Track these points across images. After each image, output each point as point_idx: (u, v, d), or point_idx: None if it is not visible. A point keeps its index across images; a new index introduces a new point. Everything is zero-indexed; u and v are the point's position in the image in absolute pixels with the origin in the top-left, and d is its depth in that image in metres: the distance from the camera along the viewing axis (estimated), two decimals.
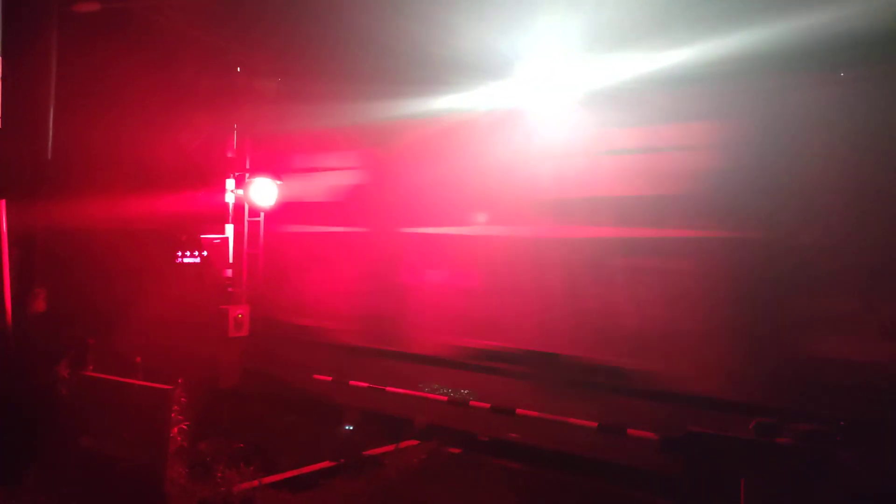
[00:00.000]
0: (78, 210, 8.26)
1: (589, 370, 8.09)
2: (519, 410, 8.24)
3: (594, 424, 7.76)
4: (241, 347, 9.72)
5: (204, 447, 6.55)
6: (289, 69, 10.30)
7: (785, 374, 6.83)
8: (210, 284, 9.46)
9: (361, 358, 9.92)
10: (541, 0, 7.67)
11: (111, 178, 8.95)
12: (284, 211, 10.58)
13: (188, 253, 8.76)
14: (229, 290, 10.02)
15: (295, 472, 6.84)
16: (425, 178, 9.89)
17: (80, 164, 8.46)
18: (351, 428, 7.64)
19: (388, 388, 9.54)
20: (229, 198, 10.37)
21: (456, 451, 7.97)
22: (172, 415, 5.95)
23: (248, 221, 10.52)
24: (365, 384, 9.65)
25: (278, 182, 9.99)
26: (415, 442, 7.90)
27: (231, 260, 10.11)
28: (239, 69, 10.18)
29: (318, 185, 10.91)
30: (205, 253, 9.40)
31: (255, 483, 6.32)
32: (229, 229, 10.23)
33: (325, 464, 7.15)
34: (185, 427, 6.38)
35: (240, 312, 9.75)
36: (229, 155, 10.47)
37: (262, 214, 10.56)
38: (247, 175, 10.28)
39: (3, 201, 7.17)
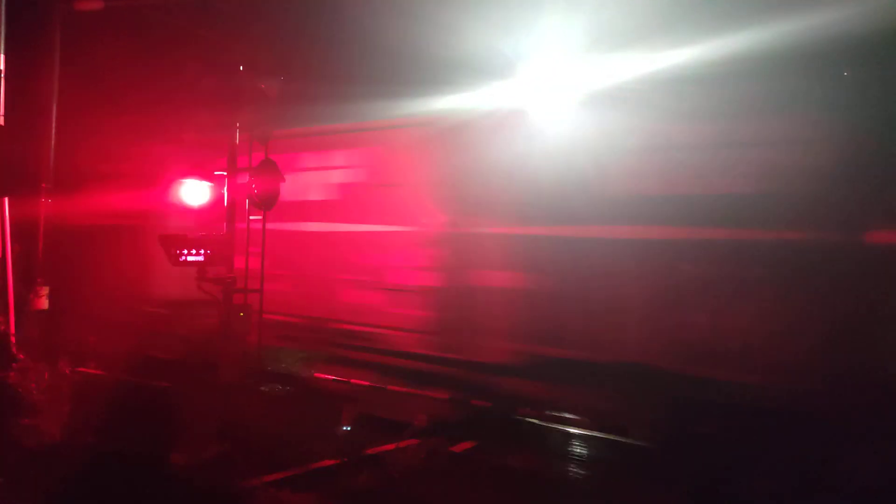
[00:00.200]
0: (80, 208, 8.28)
1: None
2: None
3: None
4: (242, 344, 9.73)
5: (205, 444, 6.55)
6: (291, 69, 10.31)
7: None
8: (211, 282, 9.45)
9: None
10: (542, 1, 7.68)
11: (113, 177, 8.97)
12: (286, 209, 10.61)
13: (191, 251, 8.76)
14: (231, 288, 10.02)
15: (296, 471, 6.84)
16: (426, 177, 9.91)
17: (83, 162, 8.49)
18: (352, 426, 7.64)
19: (390, 388, 9.56)
20: (230, 196, 10.37)
21: (457, 449, 7.98)
22: (173, 412, 5.96)
23: (250, 220, 10.52)
24: (366, 382, 9.67)
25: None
26: (416, 441, 7.90)
27: (232, 259, 10.12)
28: (241, 68, 10.18)
29: (319, 184, 10.93)
30: (207, 251, 9.39)
31: (256, 481, 6.33)
32: (230, 228, 10.23)
33: (326, 462, 7.15)
34: (186, 424, 6.39)
35: (240, 310, 9.76)
36: (231, 153, 10.47)
37: (263, 213, 10.56)
38: (248, 174, 10.29)
39: (6, 198, 7.18)
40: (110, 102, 9.17)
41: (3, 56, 7.40)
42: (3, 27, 7.42)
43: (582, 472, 7.57)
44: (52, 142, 8.15)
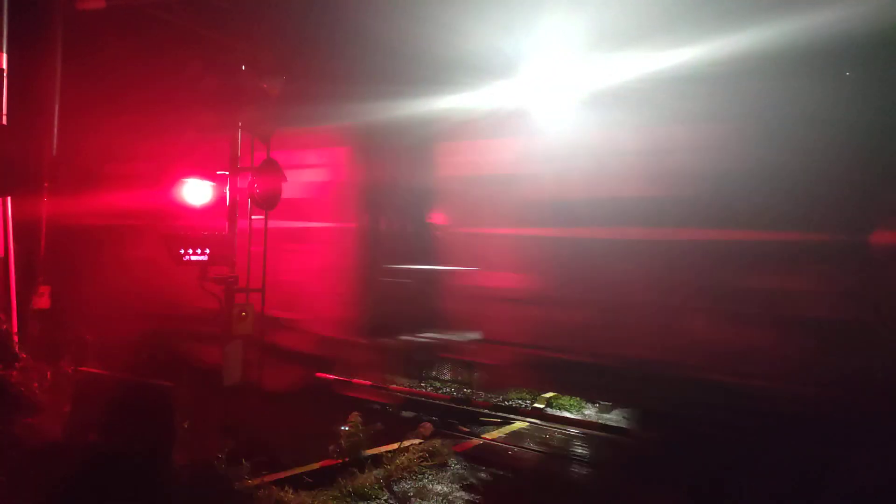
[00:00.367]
0: (82, 207, 8.29)
1: None
2: None
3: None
4: (244, 344, 9.73)
5: (207, 444, 6.55)
6: (294, 68, 10.31)
7: None
8: (213, 281, 9.45)
9: None
10: (544, 0, 7.68)
11: (115, 176, 8.98)
12: (290, 208, 10.61)
13: (194, 250, 8.75)
14: (233, 287, 10.02)
15: (298, 470, 6.86)
16: (428, 177, 9.91)
17: (86, 161, 8.50)
18: (354, 426, 7.64)
19: (392, 387, 9.56)
20: (232, 196, 10.37)
21: (458, 449, 7.99)
22: (176, 411, 5.96)
23: (252, 219, 10.53)
24: (368, 382, 9.68)
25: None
26: (417, 441, 7.91)
27: (235, 258, 10.12)
28: (244, 68, 10.19)
29: (322, 183, 10.93)
30: (208, 250, 9.39)
31: (258, 480, 6.34)
32: (232, 227, 10.24)
33: (328, 462, 7.16)
34: (188, 424, 6.39)
35: (243, 310, 9.76)
36: (233, 153, 10.48)
37: (265, 212, 10.57)
38: (250, 173, 10.29)
39: (9, 198, 7.19)
40: (112, 102, 9.17)
41: (5, 55, 7.40)
42: (5, 26, 7.43)
43: (585, 470, 7.58)
44: (55, 141, 8.16)
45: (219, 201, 9.75)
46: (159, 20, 9.08)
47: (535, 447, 8.28)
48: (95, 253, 8.56)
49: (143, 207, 9.07)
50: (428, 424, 8.48)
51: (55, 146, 8.10)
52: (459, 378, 10.60)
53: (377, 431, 7.60)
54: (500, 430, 8.88)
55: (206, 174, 9.42)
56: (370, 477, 6.87)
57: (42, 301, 7.60)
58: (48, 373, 6.75)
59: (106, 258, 8.76)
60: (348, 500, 6.47)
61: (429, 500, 6.60)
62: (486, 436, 8.60)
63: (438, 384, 10.79)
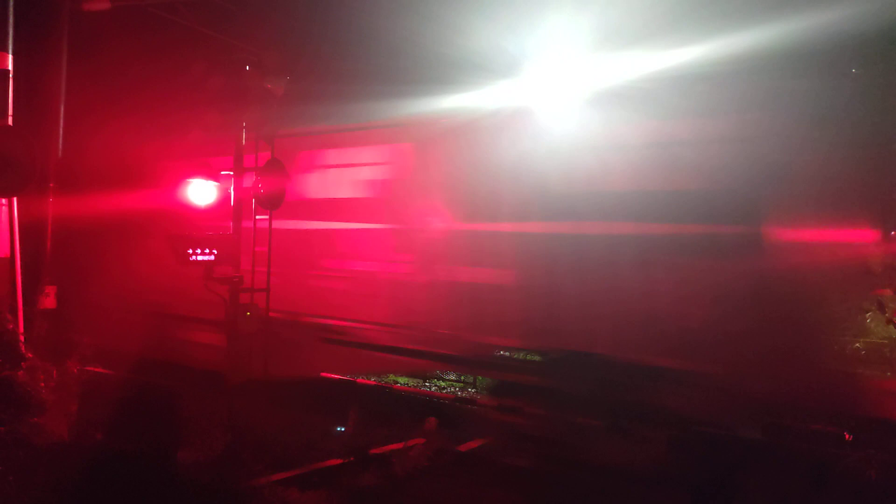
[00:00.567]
0: (88, 207, 8.31)
1: None
2: None
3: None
4: (250, 344, 9.75)
5: (212, 443, 6.57)
6: (298, 68, 10.33)
7: None
8: (218, 282, 9.48)
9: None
10: (548, 0, 7.68)
11: (121, 176, 9.01)
12: (293, 208, 10.63)
13: (201, 250, 8.78)
14: (238, 287, 10.05)
15: (303, 470, 6.86)
16: (430, 177, 9.92)
17: (91, 161, 8.52)
18: (357, 426, 7.66)
19: (396, 387, 9.57)
20: (237, 196, 10.40)
21: (462, 449, 7.99)
22: (182, 410, 5.98)
23: (256, 219, 10.55)
24: (373, 382, 9.68)
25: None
26: (422, 440, 7.91)
27: (239, 258, 10.14)
28: (248, 68, 10.21)
29: (325, 183, 10.95)
30: (215, 251, 9.42)
31: (263, 480, 6.34)
32: (237, 227, 10.26)
33: (333, 461, 7.17)
34: (194, 423, 6.41)
35: (248, 310, 9.78)
36: (238, 153, 10.50)
37: (270, 212, 10.59)
38: (255, 173, 10.32)
39: (15, 199, 7.21)
40: (117, 103, 9.21)
41: (11, 57, 7.43)
42: (11, 28, 7.45)
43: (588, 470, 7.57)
44: (60, 142, 8.18)
45: (225, 201, 9.79)
46: (164, 21, 9.11)
47: (543, 445, 8.25)
48: (101, 253, 8.59)
49: (150, 207, 9.10)
50: (433, 423, 8.47)
51: (61, 147, 8.12)
52: (462, 378, 10.60)
53: (382, 430, 7.61)
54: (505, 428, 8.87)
55: (211, 174, 9.45)
56: (376, 476, 6.88)
57: (48, 301, 7.62)
58: (54, 373, 6.77)
59: (112, 258, 8.79)
60: (354, 499, 6.48)
61: (434, 500, 6.61)
62: (491, 434, 8.59)
63: (443, 384, 10.79)
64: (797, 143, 6.99)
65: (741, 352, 6.92)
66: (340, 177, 10.85)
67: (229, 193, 9.96)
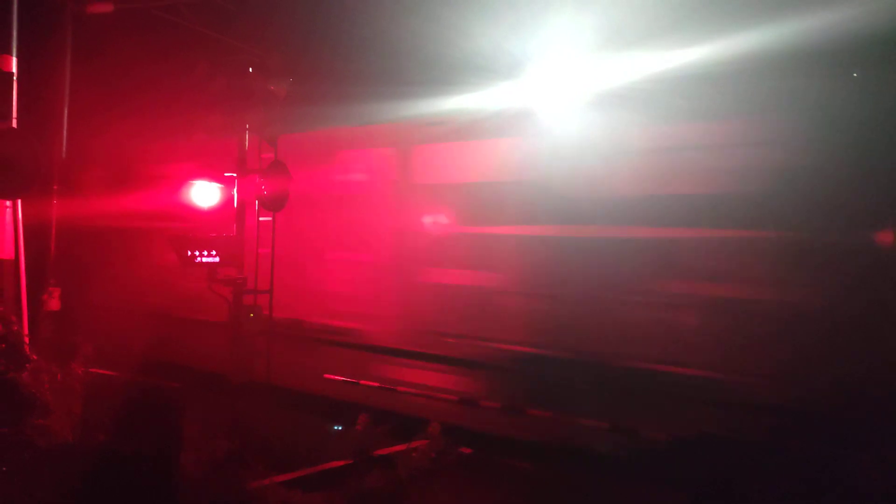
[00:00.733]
0: (92, 209, 8.33)
1: None
2: None
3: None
4: (252, 345, 9.75)
5: (216, 445, 6.57)
6: (301, 70, 10.34)
7: None
8: (221, 283, 9.49)
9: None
10: (550, 1, 7.67)
11: (124, 178, 9.03)
12: (297, 210, 10.64)
13: (204, 252, 8.79)
14: (240, 288, 10.06)
15: (307, 471, 6.86)
16: (434, 178, 9.92)
17: (94, 163, 8.54)
18: (362, 427, 7.64)
19: (400, 388, 9.56)
20: (240, 197, 10.42)
21: (467, 450, 7.98)
22: (185, 412, 5.98)
23: (260, 221, 10.56)
24: (376, 383, 9.68)
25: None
26: (425, 442, 7.90)
27: (242, 259, 10.15)
28: (251, 69, 10.22)
29: (328, 184, 10.96)
30: (219, 252, 9.44)
31: (267, 481, 6.34)
32: (240, 228, 10.27)
33: (337, 463, 7.17)
34: (197, 424, 6.41)
35: (250, 311, 9.79)
36: (241, 155, 10.52)
37: (273, 214, 10.60)
38: (258, 175, 10.34)
39: (20, 200, 7.23)
40: (121, 104, 9.23)
41: (15, 59, 7.45)
42: (15, 30, 7.47)
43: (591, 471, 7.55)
44: (64, 144, 8.20)
45: (229, 203, 9.80)
46: (167, 22, 9.12)
47: (548, 445, 8.24)
48: (105, 255, 8.60)
49: (153, 209, 9.11)
50: (436, 424, 8.46)
51: (65, 149, 8.14)
52: None
53: (386, 432, 7.60)
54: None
55: (214, 176, 9.47)
56: (380, 477, 6.87)
57: (52, 303, 7.64)
58: (58, 374, 6.78)
59: (116, 260, 8.80)
60: (358, 501, 6.47)
61: (438, 501, 6.60)
62: (495, 435, 8.58)
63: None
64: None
65: None
66: (355, 177, 10.81)
67: (232, 195, 9.98)
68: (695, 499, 6.10)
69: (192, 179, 9.19)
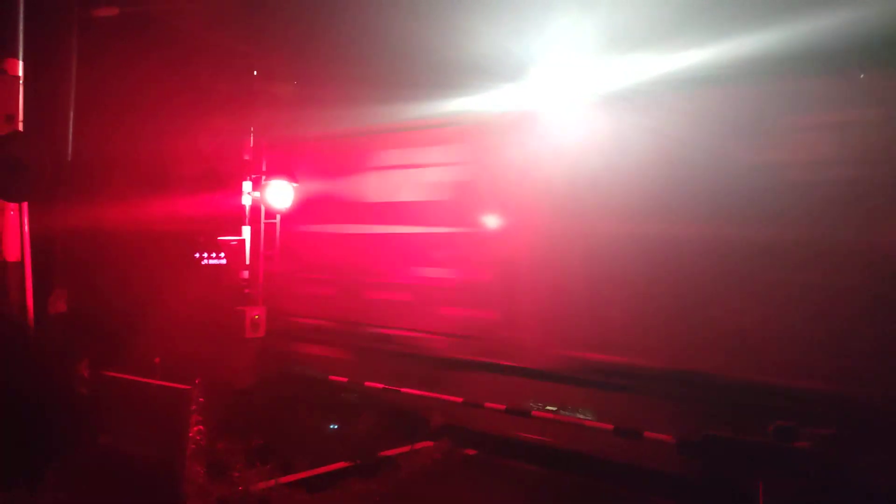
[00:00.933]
0: (97, 212, 8.35)
1: None
2: None
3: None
4: (257, 348, 9.78)
5: (221, 447, 6.58)
6: (305, 73, 10.37)
7: None
8: (227, 286, 9.52)
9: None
10: (554, 3, 7.68)
11: (130, 181, 9.04)
12: (300, 213, 10.66)
13: (211, 255, 8.83)
14: (246, 291, 10.09)
15: (311, 472, 6.87)
16: (438, 180, 9.93)
17: (100, 166, 8.56)
18: (367, 428, 7.67)
19: (403, 389, 9.55)
20: (246, 200, 10.46)
21: (471, 452, 7.98)
22: (191, 414, 6.00)
23: (265, 223, 10.60)
24: (380, 385, 9.67)
25: (294, 184, 10.08)
26: (430, 443, 7.91)
27: (248, 262, 10.19)
28: (255, 73, 10.26)
29: (333, 187, 10.97)
30: (227, 254, 9.48)
31: (272, 482, 6.36)
32: (246, 231, 10.30)
33: (341, 464, 7.18)
34: (202, 427, 6.42)
35: (256, 314, 9.82)
36: (246, 158, 10.55)
37: (278, 216, 10.64)
38: (263, 178, 10.37)
39: (25, 203, 7.25)
40: (126, 108, 9.24)
41: (21, 62, 7.48)
42: (20, 34, 7.51)
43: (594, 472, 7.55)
44: (70, 147, 8.23)
45: (237, 205, 9.86)
46: (172, 26, 9.16)
47: (551, 447, 8.24)
48: (112, 257, 8.61)
49: (160, 211, 9.14)
50: (440, 426, 8.47)
51: (70, 151, 8.17)
52: None
53: (390, 434, 7.61)
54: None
55: (221, 178, 9.52)
56: (384, 479, 6.88)
57: (59, 305, 7.66)
58: (65, 376, 6.79)
59: (122, 262, 8.80)
60: (362, 502, 6.48)
61: (444, 502, 6.61)
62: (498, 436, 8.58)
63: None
64: None
65: None
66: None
67: (239, 197, 10.03)
68: None
69: (201, 182, 9.25)
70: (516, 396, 8.56)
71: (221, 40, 9.60)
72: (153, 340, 8.03)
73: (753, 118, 7.35)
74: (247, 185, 10.47)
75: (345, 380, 9.98)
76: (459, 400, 9.83)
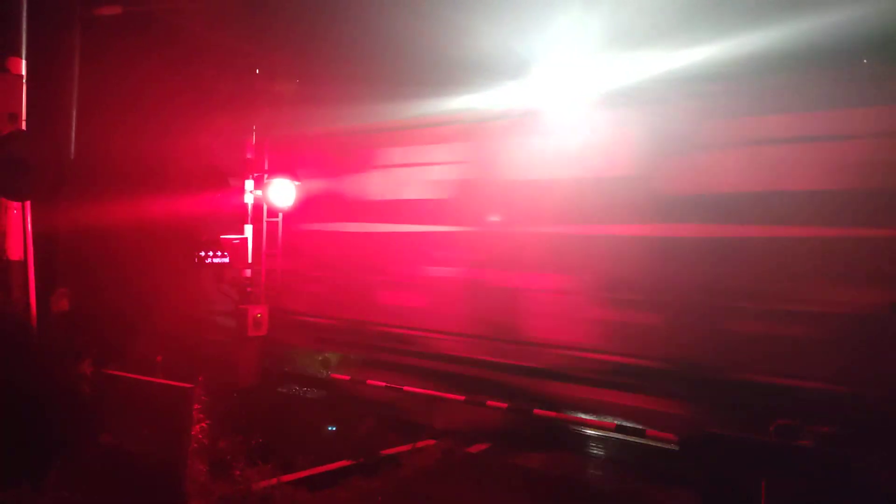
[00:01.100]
0: (100, 210, 8.36)
1: None
2: None
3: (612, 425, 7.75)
4: (260, 346, 9.80)
5: (223, 445, 6.59)
6: (307, 71, 10.37)
7: None
8: (229, 284, 9.53)
9: None
10: (556, 1, 7.67)
11: (132, 180, 9.06)
12: (302, 211, 10.67)
13: (214, 253, 8.83)
14: (248, 289, 10.10)
15: (313, 471, 6.88)
16: (439, 178, 9.92)
17: (102, 165, 8.58)
18: (369, 426, 7.67)
19: (406, 388, 9.57)
20: (248, 198, 10.47)
21: (472, 450, 7.98)
22: (193, 413, 6.00)
23: (267, 222, 10.61)
24: (383, 383, 9.68)
25: (296, 183, 10.09)
26: (431, 441, 7.91)
27: (250, 260, 10.20)
28: (258, 71, 10.26)
29: (335, 186, 10.98)
30: (229, 252, 9.49)
31: (274, 481, 6.36)
32: (248, 230, 10.32)
33: (343, 462, 7.18)
34: (204, 425, 6.43)
35: (259, 312, 9.83)
36: (248, 156, 10.56)
37: (280, 215, 10.65)
38: (265, 176, 10.38)
39: (28, 202, 7.27)
40: (128, 106, 9.26)
41: (24, 62, 7.49)
42: (24, 33, 7.52)
43: (597, 472, 7.55)
44: (73, 146, 8.25)
45: (240, 204, 9.87)
46: (175, 25, 9.16)
47: (549, 447, 8.25)
48: (114, 255, 8.63)
49: (163, 210, 9.16)
50: (443, 425, 8.48)
51: (73, 150, 8.19)
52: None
53: (392, 432, 7.62)
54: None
55: (222, 177, 9.52)
56: (386, 478, 6.88)
57: (61, 303, 7.68)
58: (67, 375, 6.80)
59: (124, 260, 8.82)
60: (364, 500, 6.48)
61: (442, 501, 6.60)
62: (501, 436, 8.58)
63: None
64: None
65: None
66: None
67: (242, 196, 10.04)
68: None
69: (202, 181, 9.25)
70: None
71: (224, 39, 9.61)
72: (155, 338, 8.05)
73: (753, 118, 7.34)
74: (249, 184, 10.48)
75: (347, 378, 10.00)
76: (462, 398, 9.85)
